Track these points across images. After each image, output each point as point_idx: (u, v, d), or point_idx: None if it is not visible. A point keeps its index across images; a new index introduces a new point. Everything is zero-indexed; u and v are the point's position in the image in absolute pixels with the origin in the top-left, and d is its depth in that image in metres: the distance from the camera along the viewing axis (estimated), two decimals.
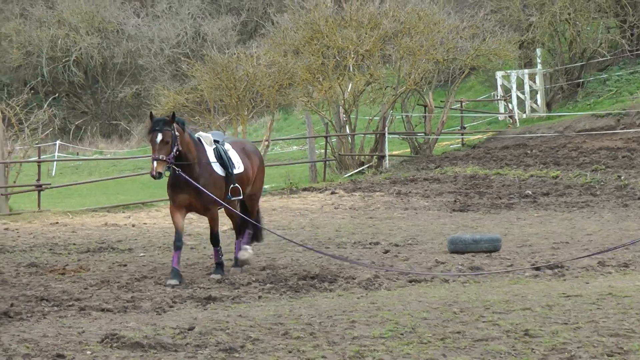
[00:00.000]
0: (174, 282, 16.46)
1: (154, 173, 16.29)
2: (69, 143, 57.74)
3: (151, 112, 17.67)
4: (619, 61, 48.03)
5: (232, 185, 17.71)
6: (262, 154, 37.15)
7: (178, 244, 17.04)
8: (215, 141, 17.86)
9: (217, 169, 17.46)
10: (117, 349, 11.26)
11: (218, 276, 17.11)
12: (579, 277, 16.58)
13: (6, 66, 66.27)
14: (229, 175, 17.63)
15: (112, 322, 13.08)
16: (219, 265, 17.50)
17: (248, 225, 18.49)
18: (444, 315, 12.79)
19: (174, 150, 16.59)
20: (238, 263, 18.11)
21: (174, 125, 16.76)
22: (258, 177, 18.92)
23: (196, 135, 17.96)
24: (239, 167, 17.92)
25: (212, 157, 17.51)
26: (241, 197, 18.06)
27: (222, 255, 17.72)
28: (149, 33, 63.96)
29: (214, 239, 17.74)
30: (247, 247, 18.27)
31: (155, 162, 16.35)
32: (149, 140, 16.85)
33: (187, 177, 16.77)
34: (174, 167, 16.72)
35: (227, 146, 18.07)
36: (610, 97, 44.62)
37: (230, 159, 17.83)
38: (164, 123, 16.61)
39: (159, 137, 16.42)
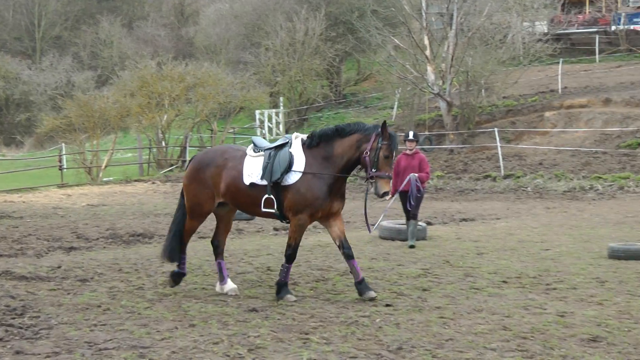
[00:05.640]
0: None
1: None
2: None
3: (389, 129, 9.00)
4: (328, 106, 49.09)
5: None
6: (106, 161, 37.00)
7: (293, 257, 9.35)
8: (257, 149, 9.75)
9: None
10: (9, 280, 10.80)
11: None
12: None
13: None
14: None
15: (7, 263, 12.49)
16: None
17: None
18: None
19: None
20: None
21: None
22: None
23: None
24: None
25: None
26: None
27: None
28: (37, 80, 61.29)
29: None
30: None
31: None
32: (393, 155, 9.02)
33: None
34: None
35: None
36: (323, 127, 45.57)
37: None
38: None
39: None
